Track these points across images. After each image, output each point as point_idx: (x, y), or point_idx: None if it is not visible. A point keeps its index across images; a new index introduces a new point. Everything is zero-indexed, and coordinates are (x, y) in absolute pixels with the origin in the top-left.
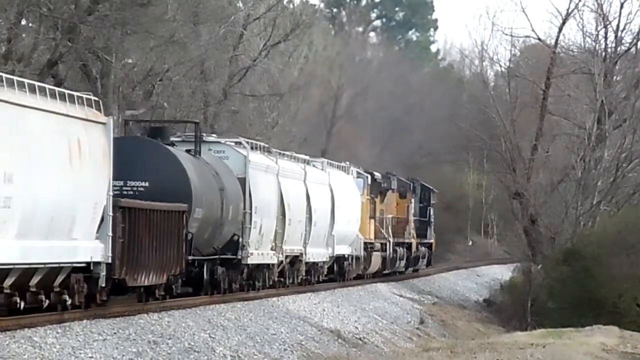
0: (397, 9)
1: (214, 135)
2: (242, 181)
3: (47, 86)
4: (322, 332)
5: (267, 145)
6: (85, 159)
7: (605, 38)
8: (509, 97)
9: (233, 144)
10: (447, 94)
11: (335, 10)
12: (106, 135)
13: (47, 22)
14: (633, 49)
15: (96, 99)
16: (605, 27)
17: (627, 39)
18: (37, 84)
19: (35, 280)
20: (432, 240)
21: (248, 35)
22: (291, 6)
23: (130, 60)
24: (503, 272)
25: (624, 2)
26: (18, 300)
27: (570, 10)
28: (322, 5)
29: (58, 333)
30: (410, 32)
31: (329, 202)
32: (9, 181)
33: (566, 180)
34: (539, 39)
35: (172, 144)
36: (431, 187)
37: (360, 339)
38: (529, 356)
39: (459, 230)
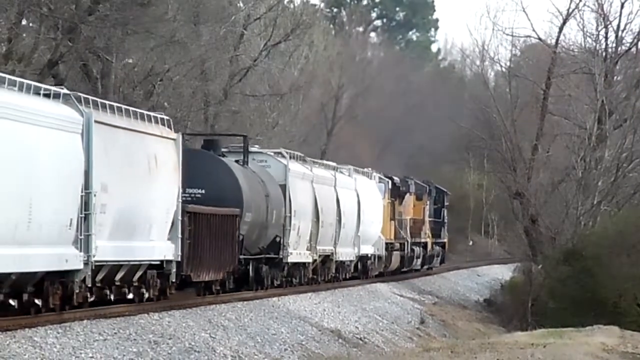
0: (397, 8)
1: (257, 146)
2: (283, 188)
3: (130, 108)
4: (323, 332)
5: (302, 155)
6: (160, 170)
7: (606, 38)
8: (509, 97)
9: (272, 153)
10: (447, 94)
11: (335, 10)
12: (176, 150)
13: (47, 22)
14: (634, 49)
15: (168, 118)
16: (606, 27)
17: (628, 38)
18: (123, 107)
19: (119, 275)
20: (445, 240)
21: (248, 35)
22: (292, 6)
23: (130, 60)
24: (503, 272)
25: (625, 2)
26: (108, 293)
27: (570, 10)
28: (322, 5)
29: (58, 333)
30: (410, 32)
31: (356, 205)
32: (105, 191)
33: (567, 180)
34: (540, 38)
35: (223, 154)
36: (445, 190)
37: (360, 339)
38: (530, 356)
39: (460, 230)
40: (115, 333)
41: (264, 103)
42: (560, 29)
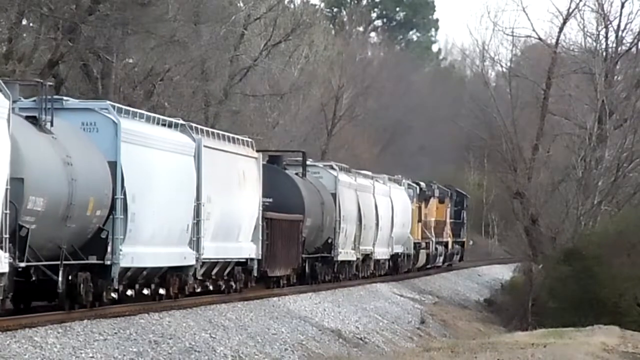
0: (397, 8)
1: (311, 159)
2: (334, 196)
3: (226, 134)
4: (323, 332)
5: (347, 166)
6: (247, 183)
7: (606, 38)
8: (509, 97)
9: (323, 166)
10: (448, 94)
11: (335, 10)
12: (257, 166)
13: (48, 22)
14: (634, 49)
15: (251, 140)
16: (606, 27)
17: (628, 38)
18: (221, 132)
19: (215, 270)
20: (464, 239)
21: (249, 35)
22: (292, 6)
23: (131, 60)
24: (504, 272)
25: (625, 2)
26: (208, 284)
27: (571, 10)
28: (322, 5)
29: (59, 333)
30: (411, 32)
31: (390, 210)
32: (209, 201)
33: (567, 180)
34: (540, 38)
35: (285, 168)
36: (465, 193)
37: (361, 338)
38: (530, 356)
39: None
40: (116, 333)
41: (264, 103)
42: (561, 29)
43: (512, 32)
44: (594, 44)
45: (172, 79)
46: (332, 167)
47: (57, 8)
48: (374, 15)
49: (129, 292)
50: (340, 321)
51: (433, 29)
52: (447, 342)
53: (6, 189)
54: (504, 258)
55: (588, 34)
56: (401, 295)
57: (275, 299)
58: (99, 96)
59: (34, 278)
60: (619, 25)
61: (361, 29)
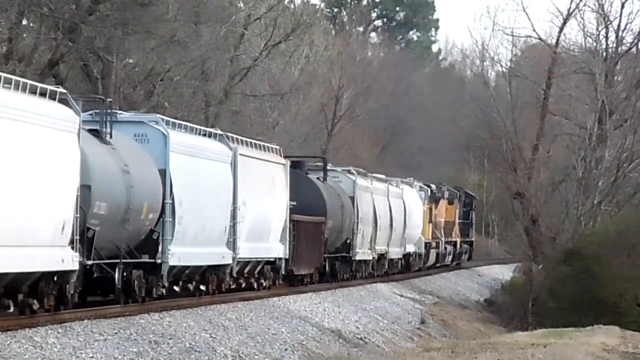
0: (398, 8)
1: (330, 164)
2: (352, 199)
3: (259, 142)
4: (323, 332)
5: (364, 171)
6: (276, 188)
7: (606, 38)
8: (510, 97)
9: (341, 170)
10: (448, 94)
11: (336, 10)
12: (285, 172)
13: (48, 22)
14: (634, 49)
15: (279, 147)
16: (606, 27)
17: (628, 39)
18: (254, 141)
19: (247, 268)
20: (473, 239)
21: (249, 35)
22: (292, 6)
23: (131, 60)
24: (504, 272)
25: (625, 2)
26: (242, 282)
27: (571, 10)
28: (322, 5)
29: (59, 333)
30: (411, 32)
31: (403, 211)
32: (244, 205)
33: (567, 180)
34: (540, 38)
35: (307, 172)
36: (473, 195)
37: (361, 339)
38: (530, 356)
39: None
40: (116, 333)
41: (264, 103)
42: (561, 29)
43: (512, 32)
44: (594, 44)
45: (172, 79)
46: (350, 172)
47: (57, 8)
48: (374, 15)
49: (176, 288)
50: (341, 321)
51: (433, 29)
52: (447, 342)
53: (77, 196)
54: (504, 258)
55: (588, 34)
56: (401, 295)
57: (275, 299)
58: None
59: (95, 275)
60: (619, 25)
61: (361, 29)
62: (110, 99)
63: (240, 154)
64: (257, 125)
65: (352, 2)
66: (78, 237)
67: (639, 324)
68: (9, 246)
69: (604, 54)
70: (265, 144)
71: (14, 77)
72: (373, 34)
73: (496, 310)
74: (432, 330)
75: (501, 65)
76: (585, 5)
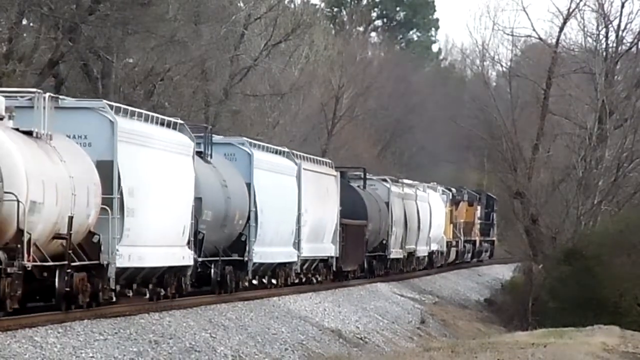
0: (398, 8)
1: (370, 174)
2: (387, 204)
3: (315, 157)
4: (323, 331)
5: (396, 178)
6: (330, 197)
7: (606, 38)
8: (510, 97)
9: (376, 178)
10: (448, 93)
11: (336, 10)
12: (336, 183)
13: (48, 22)
14: (634, 49)
15: (331, 161)
16: (606, 26)
17: (628, 38)
18: (311, 156)
19: (305, 265)
20: (494, 238)
21: (249, 35)
22: (292, 6)
23: (131, 60)
24: (504, 272)
25: (625, 1)
26: (303, 277)
27: (571, 10)
28: (322, 5)
29: (59, 333)
30: (411, 32)
31: (428, 214)
32: (306, 211)
33: (567, 180)
34: (540, 38)
35: (349, 181)
36: (495, 197)
37: (361, 338)
38: (530, 356)
39: None
40: (116, 333)
41: (264, 103)
42: (561, 28)
43: (512, 31)
44: (594, 43)
45: (172, 79)
46: (385, 180)
47: (57, 8)
48: (374, 15)
49: (254, 282)
50: (341, 321)
51: (433, 29)
52: (447, 342)
53: (192, 206)
54: (504, 258)
55: (588, 33)
56: (401, 295)
57: (275, 299)
58: (99, 96)
59: (199, 270)
60: (619, 25)
61: (361, 29)
62: (211, 126)
63: (304, 168)
64: (257, 125)
65: (352, 2)
66: (193, 239)
67: (639, 324)
68: (156, 246)
69: (604, 53)
70: (320, 159)
71: (150, 114)
72: (373, 34)
73: (496, 310)
74: (432, 330)
75: (501, 65)
76: (585, 5)
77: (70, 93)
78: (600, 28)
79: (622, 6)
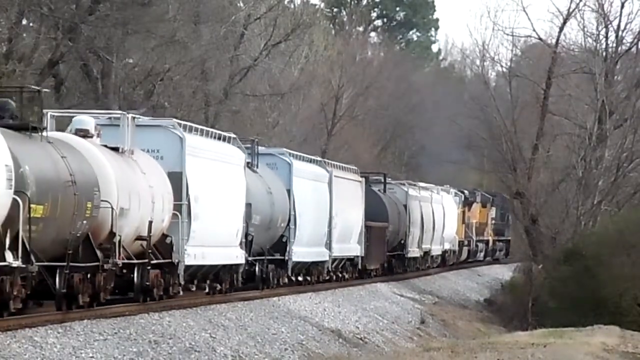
0: (398, 8)
1: (389, 178)
2: (405, 207)
3: (343, 165)
4: (323, 331)
5: (413, 182)
6: (356, 200)
7: (606, 38)
8: (510, 97)
9: (394, 183)
10: (448, 94)
11: (335, 10)
12: (361, 188)
13: (48, 22)
14: (634, 49)
15: (356, 168)
16: (606, 26)
17: (628, 38)
18: (340, 164)
19: (334, 264)
20: (509, 238)
21: (249, 35)
22: (292, 6)
23: (131, 60)
24: (504, 272)
25: (625, 1)
26: (332, 275)
27: (571, 10)
28: (322, 5)
29: (59, 333)
30: (411, 32)
31: (442, 215)
32: (336, 215)
33: (567, 180)
34: (540, 38)
35: (370, 185)
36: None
37: (361, 338)
38: (530, 356)
39: None
40: (116, 333)
41: (264, 103)
42: (561, 28)
43: (512, 32)
44: (594, 43)
45: (172, 79)
46: (403, 184)
47: (57, 8)
48: (374, 15)
49: (292, 279)
50: (340, 321)
51: (433, 29)
52: (447, 342)
53: (244, 211)
54: (504, 258)
55: (588, 34)
56: (401, 295)
57: (275, 299)
58: (99, 96)
59: (246, 268)
60: (619, 25)
61: (361, 29)
62: (258, 138)
63: (335, 176)
64: (257, 125)
65: (352, 2)
66: (244, 240)
67: (639, 324)
68: (215, 246)
69: (604, 53)
70: (348, 166)
71: (209, 129)
72: (373, 34)
73: (496, 310)
74: (432, 330)
75: (501, 65)
76: (585, 5)
77: (70, 93)
78: (600, 28)
79: (622, 6)
